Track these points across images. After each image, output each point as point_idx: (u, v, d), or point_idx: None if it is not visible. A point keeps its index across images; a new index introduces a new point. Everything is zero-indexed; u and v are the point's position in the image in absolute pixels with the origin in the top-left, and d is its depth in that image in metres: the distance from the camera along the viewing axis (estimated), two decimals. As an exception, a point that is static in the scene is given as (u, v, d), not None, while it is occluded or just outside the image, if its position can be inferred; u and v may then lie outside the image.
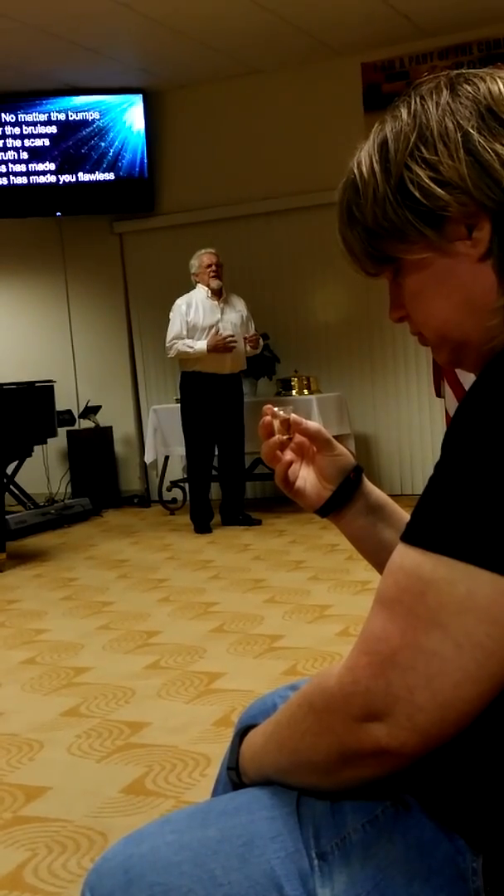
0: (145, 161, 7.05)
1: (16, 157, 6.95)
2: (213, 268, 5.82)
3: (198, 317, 5.79)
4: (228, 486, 6.03)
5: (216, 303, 5.85)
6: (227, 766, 0.99)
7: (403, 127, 0.85)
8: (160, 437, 6.48)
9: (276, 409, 1.17)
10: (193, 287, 5.93)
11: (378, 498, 1.16)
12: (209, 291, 5.85)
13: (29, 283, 7.63)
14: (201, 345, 5.68)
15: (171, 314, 5.86)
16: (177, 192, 7.14)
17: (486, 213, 0.82)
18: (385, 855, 0.82)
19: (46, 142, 6.97)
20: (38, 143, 6.96)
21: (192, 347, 5.71)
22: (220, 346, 5.66)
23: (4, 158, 6.94)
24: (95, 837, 2.04)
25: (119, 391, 7.48)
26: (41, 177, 6.98)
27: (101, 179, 7.02)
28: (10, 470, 6.17)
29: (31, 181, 6.97)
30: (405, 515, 1.10)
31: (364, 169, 0.87)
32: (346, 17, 5.81)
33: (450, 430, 0.77)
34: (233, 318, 5.88)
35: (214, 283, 5.83)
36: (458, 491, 0.74)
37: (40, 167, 6.98)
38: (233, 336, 5.70)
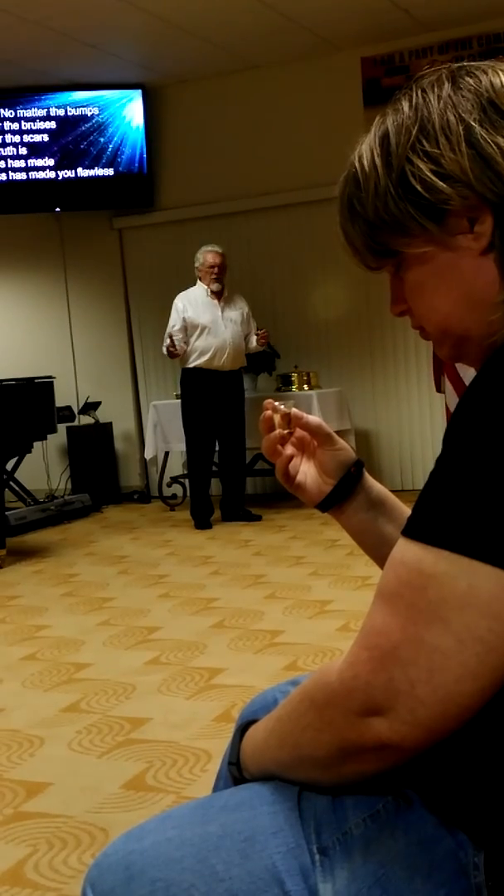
0: (144, 156, 7.04)
1: (14, 153, 6.93)
2: (216, 270, 5.81)
3: (197, 314, 5.79)
4: (229, 481, 6.03)
5: (216, 301, 5.85)
6: (228, 761, 0.99)
7: (405, 120, 0.84)
8: (160, 433, 6.48)
9: (276, 403, 1.16)
10: (195, 281, 5.93)
11: (379, 492, 1.15)
12: (209, 290, 5.85)
13: (28, 279, 7.62)
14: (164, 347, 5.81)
15: (172, 310, 5.87)
16: (176, 187, 7.13)
17: (488, 207, 0.82)
18: (386, 850, 0.82)
19: (45, 137, 6.96)
20: (37, 138, 6.95)
21: (164, 348, 5.80)
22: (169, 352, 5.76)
23: (3, 154, 6.92)
24: (96, 833, 2.04)
25: (119, 387, 7.48)
26: (40, 172, 6.97)
27: (101, 175, 7.00)
28: (9, 466, 6.17)
29: (30, 177, 6.96)
30: (406, 510, 1.09)
31: (365, 162, 0.86)
32: (346, 12, 5.80)
33: (451, 425, 0.77)
34: (233, 315, 5.88)
35: (214, 286, 5.83)
36: (459, 485, 0.74)
37: (39, 163, 6.96)
38: (170, 344, 5.70)
